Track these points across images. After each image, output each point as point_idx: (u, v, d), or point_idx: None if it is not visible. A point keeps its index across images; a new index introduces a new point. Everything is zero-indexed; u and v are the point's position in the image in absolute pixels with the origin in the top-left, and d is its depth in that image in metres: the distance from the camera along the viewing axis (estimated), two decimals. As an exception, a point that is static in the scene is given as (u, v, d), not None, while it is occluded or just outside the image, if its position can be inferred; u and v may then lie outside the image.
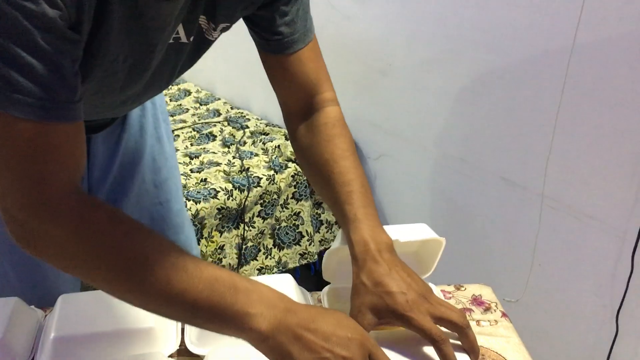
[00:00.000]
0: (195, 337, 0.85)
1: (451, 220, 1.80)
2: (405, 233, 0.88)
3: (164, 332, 0.85)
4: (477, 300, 1.01)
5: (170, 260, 0.64)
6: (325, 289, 0.94)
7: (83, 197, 0.66)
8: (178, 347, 0.84)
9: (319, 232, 2.04)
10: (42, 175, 0.62)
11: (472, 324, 0.81)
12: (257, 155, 2.03)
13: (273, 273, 1.95)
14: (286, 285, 0.92)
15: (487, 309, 0.98)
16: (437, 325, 0.72)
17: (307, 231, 1.98)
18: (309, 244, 1.98)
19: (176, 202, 1.18)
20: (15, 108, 0.59)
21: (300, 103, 0.89)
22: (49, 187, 0.62)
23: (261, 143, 2.10)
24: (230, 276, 0.66)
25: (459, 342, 0.75)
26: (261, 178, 1.87)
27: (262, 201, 1.87)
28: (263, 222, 1.89)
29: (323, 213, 2.04)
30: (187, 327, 0.87)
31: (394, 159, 1.95)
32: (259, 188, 1.85)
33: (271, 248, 1.93)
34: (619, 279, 1.36)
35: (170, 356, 0.83)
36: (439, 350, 0.71)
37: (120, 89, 0.77)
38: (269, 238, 1.93)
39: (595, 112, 1.34)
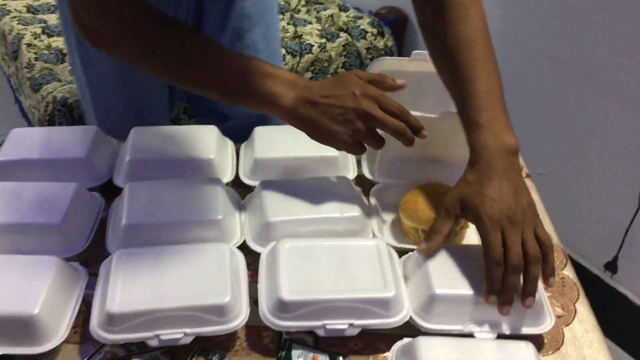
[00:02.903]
0: (249, 171, 0.97)
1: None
2: None
3: (222, 164, 0.97)
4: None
5: (207, 54, 0.78)
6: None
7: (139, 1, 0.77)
8: (233, 178, 0.97)
9: (366, 103, 2.12)
10: None
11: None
12: (310, 23, 2.08)
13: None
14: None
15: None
16: (501, 248, 0.71)
17: (354, 100, 2.06)
18: (355, 113, 2.07)
19: None
20: None
21: None
22: None
23: (315, 12, 2.14)
24: (259, 63, 0.79)
25: None
26: (313, 45, 1.94)
27: (313, 68, 1.95)
28: (313, 89, 1.97)
29: (371, 85, 2.11)
30: (242, 162, 0.99)
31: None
32: (310, 55, 1.92)
33: (319, 114, 2.03)
34: (648, 159, 1.42)
35: (227, 184, 0.95)
36: (486, 270, 0.71)
37: None
38: (318, 105, 2.03)
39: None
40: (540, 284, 0.76)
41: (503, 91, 0.79)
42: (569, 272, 0.89)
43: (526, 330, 0.75)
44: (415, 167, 0.93)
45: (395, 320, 0.73)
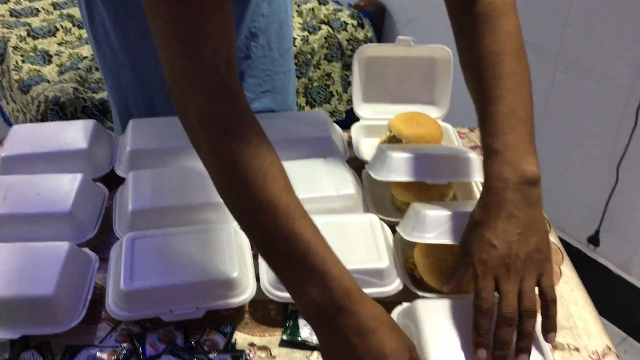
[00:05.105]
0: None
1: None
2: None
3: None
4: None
5: (270, 191, 0.62)
6: (355, 124, 1.08)
7: (222, 76, 0.63)
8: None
9: (347, 92, 2.17)
10: (192, 48, 0.62)
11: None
12: (292, 17, 2.12)
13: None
14: (320, 119, 1.07)
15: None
16: (491, 297, 0.65)
17: (336, 91, 2.11)
18: (338, 103, 2.12)
19: (293, 72, 1.23)
20: None
21: None
22: (194, 59, 0.62)
23: (296, 5, 2.18)
24: (309, 242, 0.61)
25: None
26: (296, 38, 1.97)
27: (296, 61, 1.98)
28: (297, 81, 2.02)
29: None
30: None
31: (422, 23, 2.02)
32: (294, 48, 1.96)
33: (304, 106, 2.08)
34: (622, 133, 1.48)
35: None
36: (474, 319, 0.65)
37: None
38: (302, 97, 2.07)
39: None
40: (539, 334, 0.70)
41: (532, 111, 0.73)
42: (552, 238, 0.94)
43: None
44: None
45: (390, 289, 0.78)
